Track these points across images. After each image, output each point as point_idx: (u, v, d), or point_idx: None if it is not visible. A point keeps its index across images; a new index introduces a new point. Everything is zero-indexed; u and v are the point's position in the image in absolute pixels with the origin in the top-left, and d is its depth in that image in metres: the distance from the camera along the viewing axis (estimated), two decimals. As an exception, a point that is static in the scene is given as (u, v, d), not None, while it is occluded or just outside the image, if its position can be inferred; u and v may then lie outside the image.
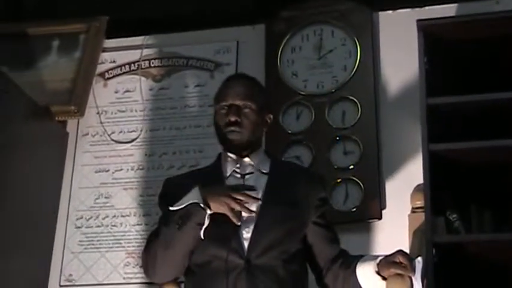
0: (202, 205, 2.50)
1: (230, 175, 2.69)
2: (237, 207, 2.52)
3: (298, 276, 2.62)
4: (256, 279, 2.50)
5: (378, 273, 2.58)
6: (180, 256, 2.58)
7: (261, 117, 2.72)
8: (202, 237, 2.51)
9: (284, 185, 2.67)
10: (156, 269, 2.63)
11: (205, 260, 2.57)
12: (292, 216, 2.63)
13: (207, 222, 2.51)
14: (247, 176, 2.67)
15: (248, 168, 2.69)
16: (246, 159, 2.69)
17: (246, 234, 2.56)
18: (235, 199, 2.52)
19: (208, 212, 2.51)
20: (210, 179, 2.68)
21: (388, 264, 2.56)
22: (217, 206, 2.51)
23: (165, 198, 2.69)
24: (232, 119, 2.65)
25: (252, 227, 2.57)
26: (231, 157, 2.71)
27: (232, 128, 2.66)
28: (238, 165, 2.69)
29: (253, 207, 2.58)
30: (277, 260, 2.55)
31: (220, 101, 2.71)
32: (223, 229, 2.55)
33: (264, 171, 2.69)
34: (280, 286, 2.53)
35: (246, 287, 2.49)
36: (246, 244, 2.55)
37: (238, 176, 2.67)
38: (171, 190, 2.68)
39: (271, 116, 2.80)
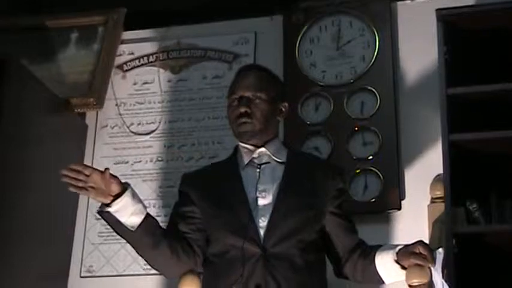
0: (98, 210, 2.56)
1: (247, 165, 2.69)
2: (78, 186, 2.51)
3: (315, 265, 2.62)
4: (273, 268, 2.51)
5: (397, 262, 2.58)
6: (154, 255, 2.61)
7: (274, 107, 2.72)
8: (132, 229, 2.52)
9: (301, 175, 2.67)
10: (157, 271, 2.74)
11: (222, 250, 2.59)
12: (309, 205, 2.63)
13: (121, 216, 2.52)
14: (263, 166, 2.67)
15: (264, 158, 2.69)
16: (262, 149, 2.70)
17: (263, 223, 2.57)
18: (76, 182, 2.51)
19: (107, 209, 2.52)
20: (227, 171, 2.71)
21: (407, 254, 2.55)
22: (93, 198, 2.55)
23: (179, 196, 2.74)
24: (242, 110, 2.66)
25: (268, 216, 2.57)
26: (247, 148, 2.71)
27: (244, 120, 2.66)
28: (254, 156, 2.69)
29: (269, 198, 2.59)
30: (294, 248, 2.56)
31: (232, 94, 2.72)
32: (240, 218, 2.56)
33: (281, 161, 2.69)
34: (296, 274, 2.53)
35: (263, 275, 2.50)
36: (262, 233, 2.56)
37: (255, 166, 2.68)
38: (186, 189, 2.72)
39: (286, 105, 2.78)
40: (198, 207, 2.66)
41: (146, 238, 2.56)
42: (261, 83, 2.71)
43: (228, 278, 2.53)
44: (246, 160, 2.70)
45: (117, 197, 2.53)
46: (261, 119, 2.67)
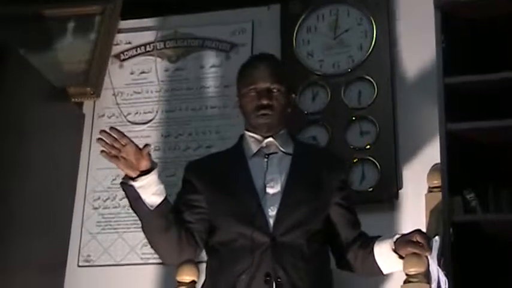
0: (122, 181, 2.51)
1: (254, 155, 2.68)
2: (111, 152, 2.47)
3: (321, 254, 2.63)
4: (282, 257, 2.51)
5: (395, 251, 2.59)
6: (162, 239, 2.58)
7: (288, 99, 2.74)
8: (151, 208, 2.50)
9: (307, 166, 2.68)
10: (157, 254, 2.71)
11: (230, 238, 2.58)
12: (316, 196, 2.64)
13: (143, 193, 2.49)
14: (271, 156, 2.67)
15: (272, 148, 2.69)
16: (270, 139, 2.69)
17: (271, 212, 2.57)
18: (110, 147, 2.47)
19: (132, 182, 2.49)
20: (233, 160, 2.70)
21: (405, 243, 2.56)
22: (121, 169, 2.49)
23: (183, 185, 2.71)
24: (265, 102, 2.65)
25: (277, 205, 2.57)
26: (254, 137, 2.71)
27: (264, 112, 2.65)
28: (262, 145, 2.68)
29: (278, 188, 2.58)
30: (302, 238, 2.56)
31: (249, 84, 2.69)
32: (248, 207, 2.56)
33: (288, 152, 2.69)
34: (305, 264, 2.54)
35: (272, 264, 2.50)
36: (271, 222, 2.55)
37: (263, 155, 2.67)
38: (190, 177, 2.69)
39: (294, 96, 2.79)
40: (203, 195, 2.65)
41: (160, 220, 2.54)
42: (278, 75, 2.71)
43: (237, 267, 2.53)
44: (254, 149, 2.70)
45: (143, 173, 2.50)
46: (279, 112, 2.68)
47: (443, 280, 2.54)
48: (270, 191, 2.59)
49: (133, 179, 2.50)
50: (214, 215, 2.63)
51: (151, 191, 2.51)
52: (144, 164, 2.50)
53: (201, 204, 2.64)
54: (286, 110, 2.73)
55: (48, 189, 3.60)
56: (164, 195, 2.54)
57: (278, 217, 2.56)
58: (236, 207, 2.57)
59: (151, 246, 2.67)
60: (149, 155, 2.50)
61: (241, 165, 2.66)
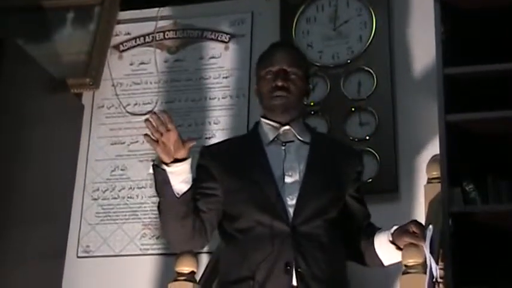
0: (155, 163, 2.49)
1: (271, 142, 2.66)
2: (154, 135, 2.45)
3: (338, 244, 2.62)
4: (301, 246, 2.49)
5: (393, 242, 2.59)
6: (178, 226, 2.54)
7: (305, 86, 2.70)
8: (177, 195, 2.48)
9: (325, 156, 2.66)
10: (168, 239, 2.68)
11: (248, 226, 2.54)
12: (333, 186, 2.62)
13: (173, 179, 2.48)
14: (288, 144, 2.66)
15: (289, 136, 2.66)
16: (287, 127, 2.66)
17: (291, 201, 2.55)
18: (154, 130, 2.45)
19: (164, 167, 2.47)
20: (250, 146, 2.66)
21: (401, 234, 2.56)
22: (158, 153, 2.48)
23: (198, 170, 2.66)
24: (280, 83, 2.61)
25: (296, 194, 2.55)
26: (271, 125, 2.67)
27: (280, 93, 2.62)
28: (279, 133, 2.67)
29: (296, 177, 2.58)
30: (320, 228, 2.55)
31: (266, 67, 2.66)
32: (267, 195, 2.54)
33: (305, 141, 2.67)
34: (324, 253, 2.52)
35: (292, 253, 2.48)
36: (291, 211, 2.54)
37: (280, 143, 2.66)
38: (206, 162, 2.65)
39: (311, 87, 2.77)
40: (218, 182, 2.61)
41: (182, 207, 2.51)
42: (296, 59, 2.68)
43: (256, 255, 2.49)
44: (270, 137, 2.65)
45: (177, 161, 2.48)
46: (295, 95, 2.64)
47: (435, 267, 2.54)
48: (288, 179, 2.57)
49: (166, 164, 2.48)
50: (231, 203, 2.59)
51: (181, 178, 2.49)
52: (182, 154, 2.48)
53: (217, 192, 2.61)
54: (303, 97, 2.69)
55: (48, 180, 3.60)
56: (191, 183, 2.52)
57: (297, 206, 2.54)
58: (254, 195, 2.54)
59: (164, 233, 2.65)
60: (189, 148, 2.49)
61: (259, 152, 2.62)
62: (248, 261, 2.50)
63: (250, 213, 2.55)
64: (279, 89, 2.62)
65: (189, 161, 2.50)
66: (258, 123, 2.72)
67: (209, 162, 2.64)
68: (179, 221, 2.54)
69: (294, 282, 2.46)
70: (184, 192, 2.50)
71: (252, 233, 2.54)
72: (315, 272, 2.49)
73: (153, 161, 2.53)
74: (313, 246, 2.51)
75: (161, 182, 2.50)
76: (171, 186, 2.48)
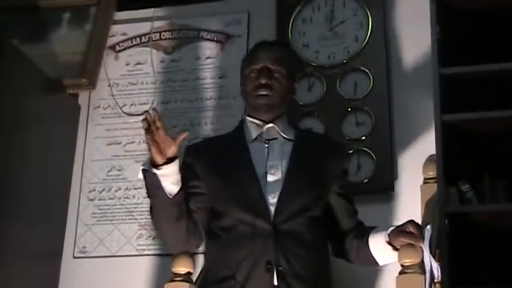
0: (145, 167, 2.48)
1: (254, 140, 2.66)
2: (148, 135, 2.45)
3: (321, 242, 2.62)
4: (283, 245, 2.50)
5: (389, 243, 2.59)
6: (172, 227, 2.55)
7: (291, 85, 2.70)
8: (169, 197, 2.48)
9: (309, 153, 2.66)
10: (164, 241, 2.69)
11: (231, 224, 2.55)
12: (316, 184, 2.62)
13: (165, 181, 2.47)
14: (271, 142, 2.65)
15: (272, 134, 2.66)
16: (271, 125, 2.66)
17: (272, 199, 2.55)
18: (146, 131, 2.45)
19: (155, 170, 2.47)
20: (234, 144, 2.67)
21: (398, 234, 2.56)
22: (152, 154, 2.47)
23: (182, 169, 2.63)
24: (263, 81, 2.62)
25: (278, 192, 2.56)
26: (255, 122, 2.68)
27: (263, 91, 2.63)
28: (262, 131, 2.67)
29: (278, 175, 2.58)
30: (303, 225, 2.55)
31: (251, 64, 2.68)
32: (249, 194, 2.54)
33: (289, 138, 2.67)
34: (307, 251, 2.53)
35: (274, 252, 2.48)
36: (272, 209, 2.54)
37: (263, 141, 2.66)
38: (190, 160, 2.66)
39: (296, 86, 2.77)
40: (202, 180, 2.62)
41: (174, 208, 2.52)
42: (280, 57, 2.68)
43: (237, 254, 2.50)
44: (253, 135, 2.66)
45: (166, 162, 2.48)
46: (279, 94, 2.65)
47: (436, 267, 2.54)
48: (270, 177, 2.57)
49: (156, 167, 2.48)
50: (215, 201, 2.60)
51: (172, 179, 2.49)
52: (172, 152, 2.48)
53: (202, 190, 2.61)
54: (287, 95, 2.70)
55: (44, 180, 3.60)
56: (180, 184, 2.52)
57: (279, 204, 2.54)
58: (237, 193, 2.55)
59: (158, 234, 2.67)
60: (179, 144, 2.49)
61: (242, 149, 2.64)
62: (229, 260, 2.51)
63: (232, 212, 2.55)
64: (262, 87, 2.63)
65: (177, 161, 2.50)
66: (243, 122, 2.73)
67: (193, 161, 2.65)
68: (172, 223, 2.54)
69: (275, 281, 2.46)
70: (176, 194, 2.50)
71: (235, 231, 2.54)
72: (297, 270, 2.49)
73: (142, 165, 2.52)
74: (296, 244, 2.52)
75: (153, 186, 2.50)
76: (163, 189, 2.48)
